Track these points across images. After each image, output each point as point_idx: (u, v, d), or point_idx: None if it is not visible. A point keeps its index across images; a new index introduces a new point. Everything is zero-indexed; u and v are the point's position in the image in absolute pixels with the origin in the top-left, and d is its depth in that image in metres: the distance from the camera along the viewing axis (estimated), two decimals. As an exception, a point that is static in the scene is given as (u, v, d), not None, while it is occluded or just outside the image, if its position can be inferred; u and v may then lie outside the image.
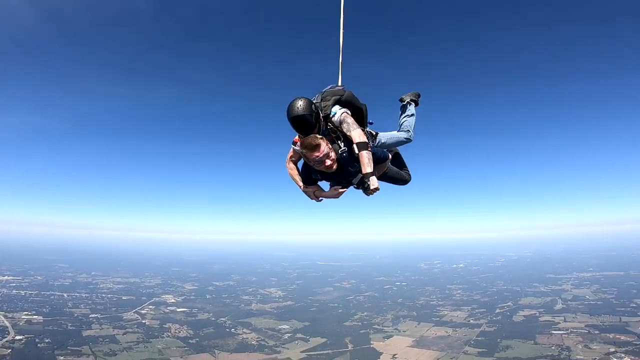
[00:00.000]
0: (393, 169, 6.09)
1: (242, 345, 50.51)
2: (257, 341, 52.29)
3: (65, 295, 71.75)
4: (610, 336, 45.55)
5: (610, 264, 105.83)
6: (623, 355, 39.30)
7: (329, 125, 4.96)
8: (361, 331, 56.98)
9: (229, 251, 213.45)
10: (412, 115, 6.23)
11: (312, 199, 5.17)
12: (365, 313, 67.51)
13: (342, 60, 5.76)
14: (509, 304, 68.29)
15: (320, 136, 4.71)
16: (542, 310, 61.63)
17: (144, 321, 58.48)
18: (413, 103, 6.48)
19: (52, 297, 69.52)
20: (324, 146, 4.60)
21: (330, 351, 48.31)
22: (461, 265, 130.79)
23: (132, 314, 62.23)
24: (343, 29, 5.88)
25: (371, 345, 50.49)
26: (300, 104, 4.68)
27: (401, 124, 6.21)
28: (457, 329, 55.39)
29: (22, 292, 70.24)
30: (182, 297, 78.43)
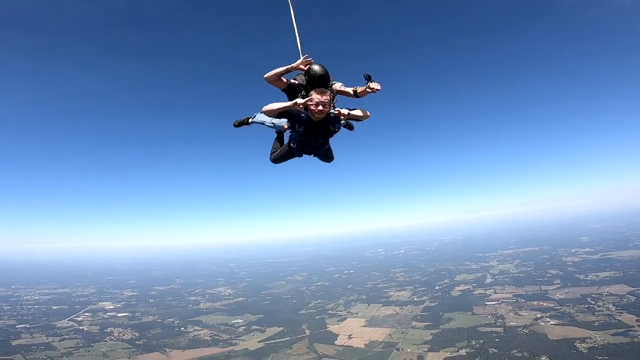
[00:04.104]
0: (329, 146, 7.06)
1: (195, 342, 48.51)
2: (210, 337, 50.52)
3: None
4: (535, 303, 51.10)
5: (527, 241, 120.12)
6: (548, 319, 44.19)
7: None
8: (317, 317, 57.88)
9: (167, 258, 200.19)
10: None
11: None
12: (318, 301, 68.61)
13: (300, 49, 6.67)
14: (446, 281, 74.08)
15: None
16: (475, 284, 67.70)
17: (81, 327, 53.61)
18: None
19: None
20: (330, 96, 5.91)
21: (288, 338, 48.43)
22: (401, 251, 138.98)
23: (67, 322, 56.69)
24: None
25: (327, 329, 51.50)
26: (323, 67, 6.26)
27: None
28: (403, 307, 58.57)
29: None
30: (122, 303, 72.92)
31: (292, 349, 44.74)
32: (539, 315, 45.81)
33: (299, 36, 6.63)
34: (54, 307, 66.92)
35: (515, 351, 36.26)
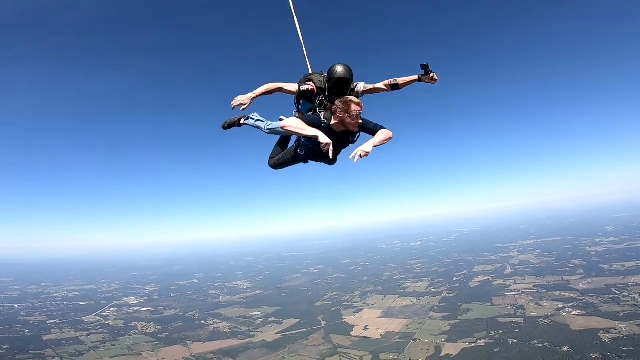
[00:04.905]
0: None
1: (215, 334, 49.56)
2: (229, 329, 51.46)
3: (15, 305, 66.02)
4: (557, 294, 49.76)
5: (548, 231, 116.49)
6: (571, 309, 42.97)
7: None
8: (332, 309, 58.04)
9: (187, 253, 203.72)
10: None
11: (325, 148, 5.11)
12: (334, 293, 68.68)
13: (306, 51, 6.18)
14: (465, 272, 72.81)
15: None
16: (494, 275, 66.34)
17: (107, 322, 55.60)
18: None
19: (1, 308, 63.83)
20: (362, 105, 5.29)
21: (304, 329, 48.82)
22: (418, 243, 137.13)
23: (93, 317, 58.78)
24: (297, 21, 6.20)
25: (343, 320, 51.63)
26: (347, 68, 5.43)
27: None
28: (420, 298, 58.01)
29: (-35, 307, 63.82)
30: (145, 298, 75.09)
31: (308, 340, 45.10)
32: (560, 306, 44.59)
33: (300, 29, 6.13)
34: (81, 303, 69.35)
35: (535, 342, 35.42)
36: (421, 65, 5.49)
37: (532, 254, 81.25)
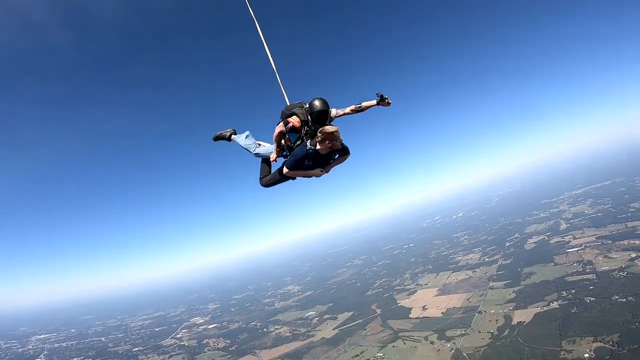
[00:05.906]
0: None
1: (278, 339, 49.18)
2: (290, 332, 50.87)
3: (103, 339, 69.36)
4: (625, 243, 43.76)
5: (595, 176, 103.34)
6: (647, 258, 37.06)
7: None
8: (385, 295, 55.86)
9: (237, 267, 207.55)
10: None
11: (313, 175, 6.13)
12: (383, 279, 66.26)
13: (283, 87, 6.71)
14: (516, 235, 67.37)
15: None
16: (549, 233, 60.73)
17: (182, 343, 57.26)
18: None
19: (92, 342, 67.26)
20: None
21: (360, 320, 47.08)
22: (460, 215, 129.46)
23: (170, 340, 60.74)
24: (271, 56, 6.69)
25: (398, 304, 49.25)
26: (324, 101, 6.05)
27: None
28: (475, 270, 54.18)
29: (64, 344, 67.83)
30: (210, 316, 76.71)
31: (366, 330, 43.41)
32: (633, 255, 39.18)
33: (275, 67, 6.57)
34: (156, 329, 71.89)
35: (617, 297, 31.15)
36: (377, 94, 6.31)
37: (585, 204, 73.79)
